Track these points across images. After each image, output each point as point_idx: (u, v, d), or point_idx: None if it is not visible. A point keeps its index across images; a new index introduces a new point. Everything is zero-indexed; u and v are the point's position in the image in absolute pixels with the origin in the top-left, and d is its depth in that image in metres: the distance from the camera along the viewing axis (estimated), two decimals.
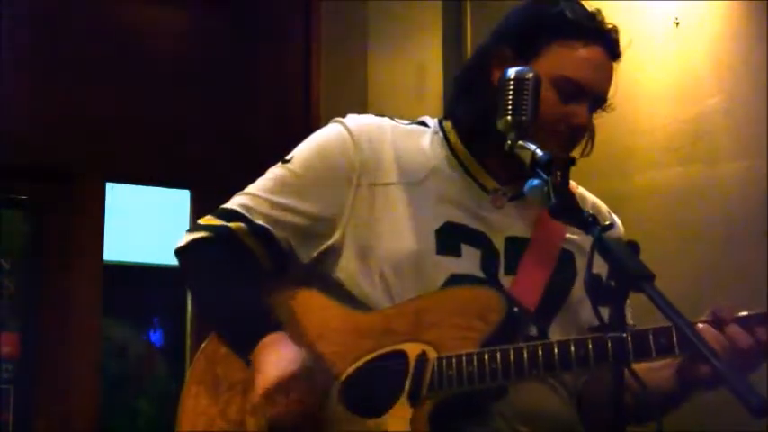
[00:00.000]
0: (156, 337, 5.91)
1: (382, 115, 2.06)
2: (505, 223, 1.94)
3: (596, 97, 1.93)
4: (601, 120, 1.99)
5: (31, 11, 4.02)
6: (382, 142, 1.96)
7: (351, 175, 1.93)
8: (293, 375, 1.79)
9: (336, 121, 2.01)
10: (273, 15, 4.40)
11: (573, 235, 1.95)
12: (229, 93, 4.26)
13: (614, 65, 1.96)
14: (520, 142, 1.73)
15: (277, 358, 1.81)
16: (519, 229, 1.95)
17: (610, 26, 1.95)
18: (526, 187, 1.67)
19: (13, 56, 3.93)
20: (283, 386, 1.79)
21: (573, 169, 1.67)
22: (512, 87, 1.76)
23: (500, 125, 1.76)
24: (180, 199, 4.37)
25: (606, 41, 1.93)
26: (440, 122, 2.03)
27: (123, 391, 4.87)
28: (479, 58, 1.99)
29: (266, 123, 4.22)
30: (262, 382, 1.80)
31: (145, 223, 4.93)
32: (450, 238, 1.90)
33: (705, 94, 3.48)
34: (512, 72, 1.78)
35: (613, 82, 1.96)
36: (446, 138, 2.00)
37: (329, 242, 1.94)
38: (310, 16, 4.32)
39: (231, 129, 4.25)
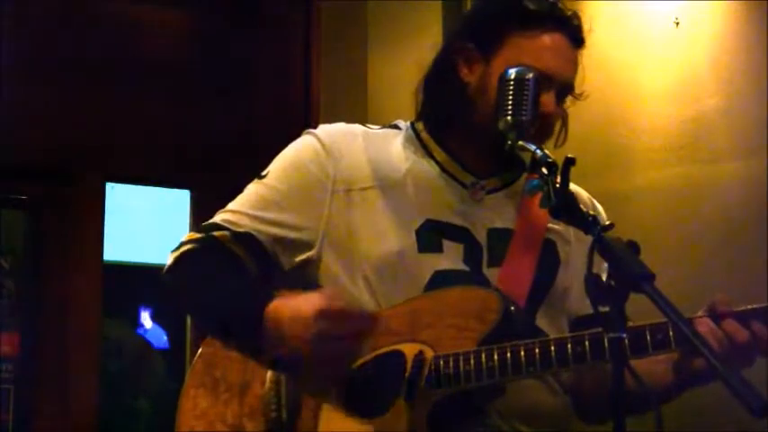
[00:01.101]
0: (156, 336, 5.92)
1: (354, 122, 2.06)
2: (487, 216, 1.94)
3: (563, 85, 1.92)
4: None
5: (31, 11, 4.02)
6: (355, 148, 1.97)
7: (326, 184, 1.93)
8: (345, 305, 1.74)
9: (308, 133, 2.01)
10: (273, 15, 4.40)
11: (554, 224, 1.95)
12: (229, 93, 4.26)
13: (579, 52, 1.94)
14: (520, 142, 1.73)
15: (312, 298, 1.75)
16: (501, 220, 1.95)
17: (570, 13, 1.94)
18: (526, 187, 1.67)
19: (14, 57, 3.93)
20: (336, 314, 1.71)
21: (573, 169, 1.67)
22: (512, 87, 1.77)
23: (500, 125, 1.77)
24: (180, 199, 4.38)
25: (567, 28, 1.92)
26: (412, 125, 2.04)
27: (123, 391, 4.88)
28: (445, 56, 1.99)
29: (266, 123, 4.22)
30: (312, 306, 1.70)
31: (145, 223, 4.94)
32: (431, 236, 1.90)
33: (705, 94, 3.48)
34: (512, 72, 1.79)
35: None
36: (419, 138, 2.00)
37: (310, 251, 1.93)
38: (310, 16, 4.32)
39: (231, 129, 4.24)
